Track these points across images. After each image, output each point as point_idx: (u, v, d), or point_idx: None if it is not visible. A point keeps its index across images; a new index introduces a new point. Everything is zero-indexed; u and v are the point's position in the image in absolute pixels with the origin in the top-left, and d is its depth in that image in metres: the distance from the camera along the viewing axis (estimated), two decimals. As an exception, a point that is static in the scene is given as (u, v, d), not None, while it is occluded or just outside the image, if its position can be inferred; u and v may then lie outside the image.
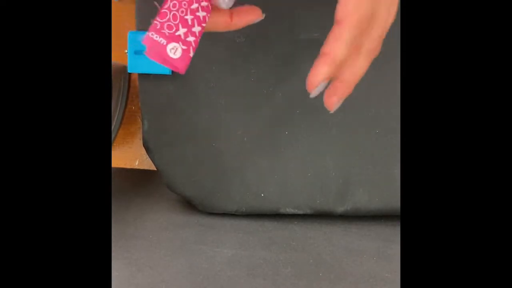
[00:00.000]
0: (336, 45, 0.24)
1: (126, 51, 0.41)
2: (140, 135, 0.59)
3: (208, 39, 0.41)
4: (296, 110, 0.41)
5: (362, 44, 0.25)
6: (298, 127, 0.42)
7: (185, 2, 0.24)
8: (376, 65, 0.40)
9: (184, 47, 0.24)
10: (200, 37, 0.25)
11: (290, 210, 0.43)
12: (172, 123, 0.42)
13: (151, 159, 0.44)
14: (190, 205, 0.46)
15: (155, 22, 0.24)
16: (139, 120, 0.59)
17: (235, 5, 0.27)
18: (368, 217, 0.45)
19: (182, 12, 0.24)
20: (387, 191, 0.42)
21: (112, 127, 0.54)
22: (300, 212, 0.43)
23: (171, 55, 0.24)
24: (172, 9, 0.24)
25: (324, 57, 0.25)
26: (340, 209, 0.42)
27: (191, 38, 0.24)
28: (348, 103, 0.41)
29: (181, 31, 0.24)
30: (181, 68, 0.25)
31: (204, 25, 0.25)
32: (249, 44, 0.41)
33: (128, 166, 0.59)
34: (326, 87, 0.26)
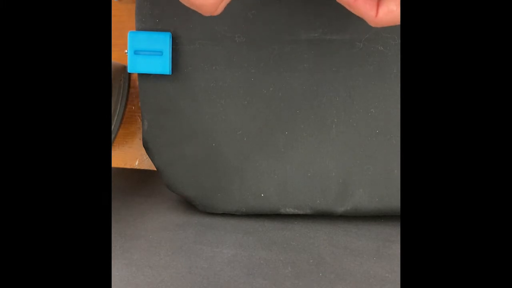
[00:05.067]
0: None
1: (126, 51, 0.41)
2: (140, 135, 0.59)
3: (208, 39, 0.41)
4: (296, 110, 0.41)
5: None
6: (298, 127, 0.42)
7: None
8: (376, 65, 0.41)
9: None
10: None
11: (290, 210, 0.43)
12: (172, 123, 0.42)
13: (151, 159, 0.44)
14: (190, 205, 0.46)
15: None
16: (139, 120, 0.59)
17: None
18: (368, 217, 0.45)
19: None
20: (387, 191, 0.42)
21: (112, 127, 0.54)
22: (300, 212, 0.43)
23: None
24: None
25: None
26: (340, 209, 0.42)
27: None
28: (348, 103, 0.42)
29: None
30: None
31: None
32: (249, 44, 0.41)
33: (128, 166, 0.59)
34: None
